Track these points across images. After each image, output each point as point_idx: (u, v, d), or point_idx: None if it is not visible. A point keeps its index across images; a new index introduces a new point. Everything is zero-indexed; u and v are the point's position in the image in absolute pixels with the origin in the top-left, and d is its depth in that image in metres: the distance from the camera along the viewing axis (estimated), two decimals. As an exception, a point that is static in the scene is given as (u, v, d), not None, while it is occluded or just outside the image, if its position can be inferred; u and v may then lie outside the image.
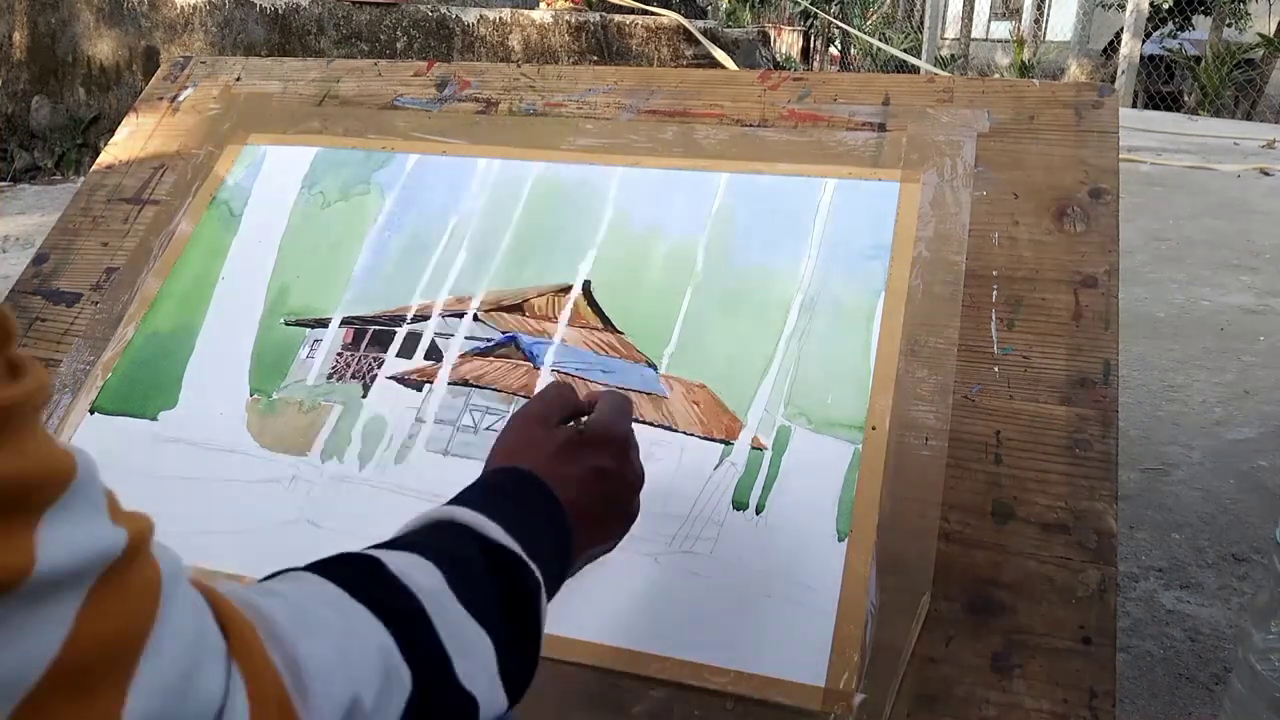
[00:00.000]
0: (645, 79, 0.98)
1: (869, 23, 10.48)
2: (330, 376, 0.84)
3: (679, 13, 4.40)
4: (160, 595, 0.30)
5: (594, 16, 4.09)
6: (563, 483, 0.53)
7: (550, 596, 0.49)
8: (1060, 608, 0.62)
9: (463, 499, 0.50)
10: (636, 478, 0.59)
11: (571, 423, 0.58)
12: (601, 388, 0.78)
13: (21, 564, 0.25)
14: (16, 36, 3.49)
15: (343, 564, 0.42)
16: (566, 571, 0.51)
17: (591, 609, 0.67)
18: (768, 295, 0.80)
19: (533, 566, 0.46)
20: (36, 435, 0.27)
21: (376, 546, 0.45)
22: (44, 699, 0.25)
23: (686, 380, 0.77)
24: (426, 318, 0.86)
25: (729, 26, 5.52)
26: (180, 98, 1.09)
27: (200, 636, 0.31)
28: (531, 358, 0.81)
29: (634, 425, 0.60)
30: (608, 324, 0.82)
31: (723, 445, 0.74)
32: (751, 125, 0.91)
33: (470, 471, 0.77)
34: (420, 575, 0.42)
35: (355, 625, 0.38)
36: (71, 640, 0.26)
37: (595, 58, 4.00)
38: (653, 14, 4.29)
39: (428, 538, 0.46)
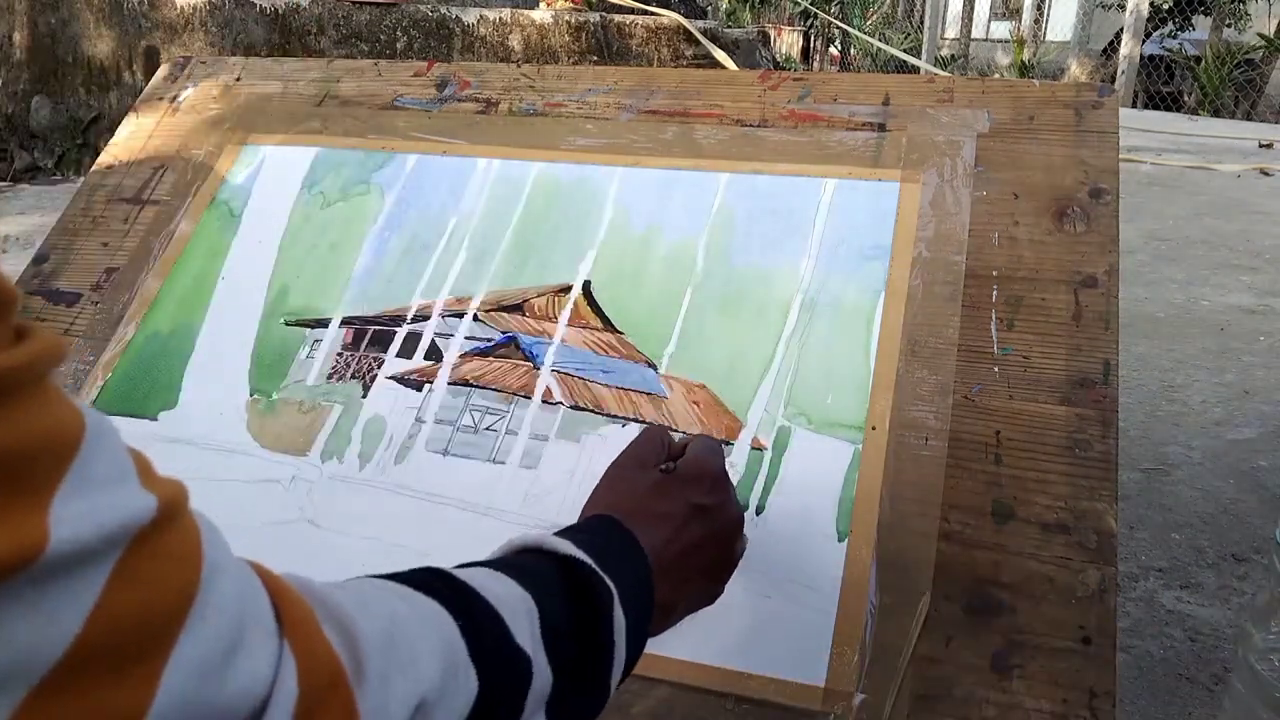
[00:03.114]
0: (645, 79, 0.98)
1: (869, 23, 10.48)
2: (330, 376, 0.84)
3: (679, 13, 4.40)
4: (201, 564, 0.28)
5: (594, 16, 4.09)
6: (658, 521, 0.52)
7: (635, 649, 0.46)
8: (1060, 608, 0.62)
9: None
10: (736, 516, 0.58)
11: (665, 465, 0.57)
12: (602, 388, 0.78)
13: (32, 543, 0.23)
14: (16, 36, 3.49)
15: (413, 573, 0.40)
16: (651, 615, 0.48)
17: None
18: (768, 295, 0.80)
19: (605, 578, 0.44)
20: (43, 401, 0.25)
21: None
22: (67, 678, 0.24)
23: (686, 380, 0.77)
24: (426, 318, 0.86)
25: (729, 26, 5.52)
26: (180, 98, 1.09)
27: (247, 611, 0.29)
28: (531, 358, 0.81)
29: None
30: (608, 324, 0.82)
31: (723, 445, 0.74)
32: (751, 125, 0.91)
33: (470, 471, 0.78)
34: (495, 584, 0.41)
35: (422, 615, 0.36)
36: (96, 616, 0.24)
37: (595, 58, 4.00)
38: (653, 14, 4.28)
39: (502, 556, 0.46)
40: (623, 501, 0.54)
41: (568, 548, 0.45)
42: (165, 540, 0.27)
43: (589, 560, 0.45)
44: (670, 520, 0.53)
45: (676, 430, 0.74)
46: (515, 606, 0.40)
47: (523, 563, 0.45)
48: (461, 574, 0.41)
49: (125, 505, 0.26)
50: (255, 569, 0.31)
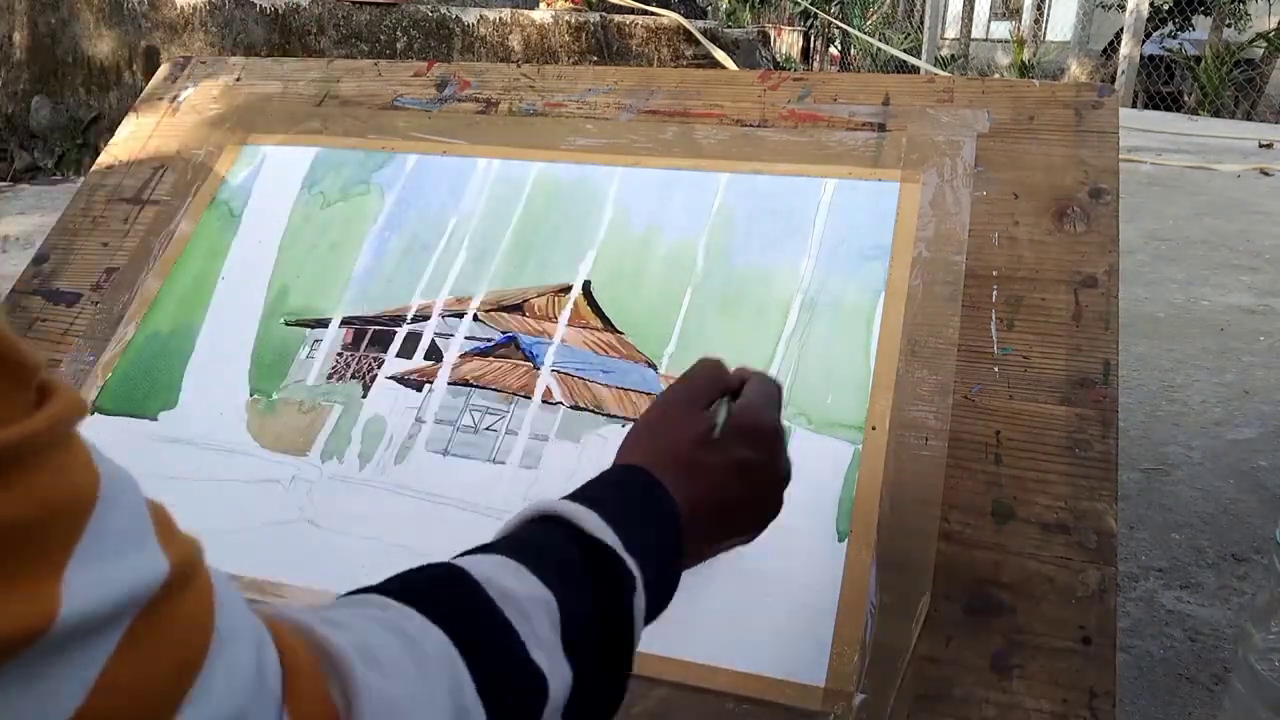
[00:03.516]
0: (645, 79, 0.98)
1: (869, 23, 10.48)
2: (330, 376, 0.84)
3: (679, 13, 4.40)
4: (210, 634, 0.27)
5: (594, 16, 4.09)
6: (701, 471, 0.49)
7: (656, 605, 0.45)
8: (1060, 608, 0.62)
9: (573, 494, 0.46)
10: (784, 472, 0.55)
11: (718, 403, 0.53)
12: (602, 388, 0.78)
13: (42, 613, 0.22)
14: (17, 36, 3.49)
15: (422, 578, 0.39)
16: (675, 576, 0.47)
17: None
18: (768, 295, 0.80)
19: (628, 560, 0.42)
20: (59, 464, 0.24)
21: (469, 552, 0.41)
22: None
23: (686, 380, 0.77)
24: (426, 318, 0.86)
25: (729, 26, 5.51)
26: (180, 98, 1.09)
27: (256, 677, 0.28)
28: (531, 358, 0.81)
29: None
30: (608, 324, 0.82)
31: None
32: (751, 125, 0.91)
33: (470, 471, 0.78)
34: (510, 580, 0.39)
35: (424, 658, 0.34)
36: (98, 689, 0.23)
37: (595, 58, 4.00)
38: (653, 14, 4.28)
39: (521, 532, 0.44)
40: (663, 446, 0.50)
41: (590, 524, 0.42)
42: (175, 608, 0.26)
43: (612, 545, 0.42)
44: (709, 475, 0.50)
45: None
46: (532, 609, 0.38)
47: (540, 541, 0.42)
48: (474, 571, 0.39)
49: (137, 571, 0.25)
50: (268, 622, 0.30)
